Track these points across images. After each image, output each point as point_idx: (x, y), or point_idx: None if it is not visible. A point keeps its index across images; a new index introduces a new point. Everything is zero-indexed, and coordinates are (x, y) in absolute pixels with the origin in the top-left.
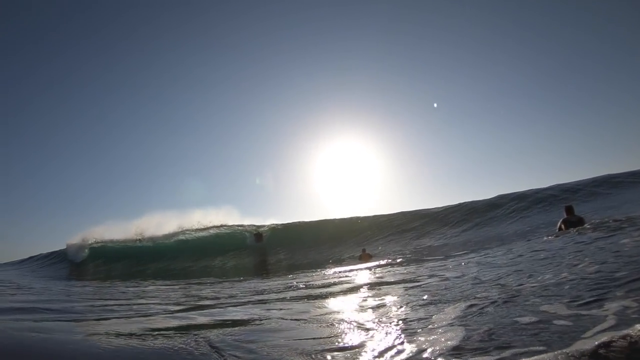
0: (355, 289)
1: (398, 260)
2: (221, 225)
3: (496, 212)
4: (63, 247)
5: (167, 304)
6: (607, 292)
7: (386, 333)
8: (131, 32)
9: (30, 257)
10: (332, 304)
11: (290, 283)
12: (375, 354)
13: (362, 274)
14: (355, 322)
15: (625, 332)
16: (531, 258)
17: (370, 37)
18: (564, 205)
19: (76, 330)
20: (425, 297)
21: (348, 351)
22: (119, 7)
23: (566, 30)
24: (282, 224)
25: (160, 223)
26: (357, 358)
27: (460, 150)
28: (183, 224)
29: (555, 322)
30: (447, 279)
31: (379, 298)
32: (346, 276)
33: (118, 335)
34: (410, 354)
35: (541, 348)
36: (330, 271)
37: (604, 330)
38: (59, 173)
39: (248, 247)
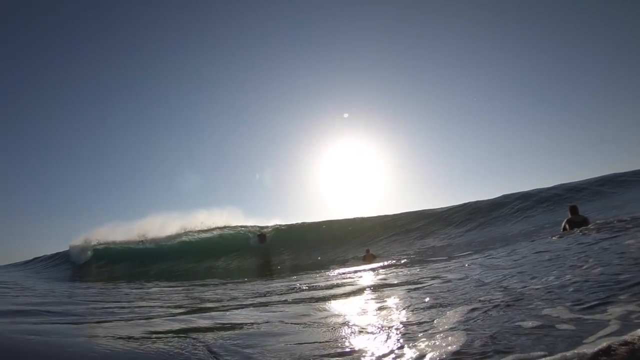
0: (357, 292)
1: (401, 262)
2: (224, 227)
3: (500, 211)
4: (66, 248)
5: (168, 307)
6: (611, 295)
7: (387, 337)
8: (133, 35)
9: (35, 259)
10: (334, 306)
11: (294, 285)
12: (374, 359)
13: (365, 275)
14: (356, 325)
15: (625, 337)
16: (535, 259)
17: (374, 38)
18: (568, 205)
19: (75, 334)
20: (427, 300)
21: (347, 356)
22: (121, 8)
23: (568, 29)
24: (286, 225)
25: (164, 224)
26: None
27: (464, 150)
28: (187, 225)
29: (557, 326)
30: (450, 281)
31: (381, 301)
32: (349, 278)
33: (116, 338)
34: None
35: (542, 353)
36: (333, 272)
37: (607, 336)
38: (63, 174)
39: (251, 248)
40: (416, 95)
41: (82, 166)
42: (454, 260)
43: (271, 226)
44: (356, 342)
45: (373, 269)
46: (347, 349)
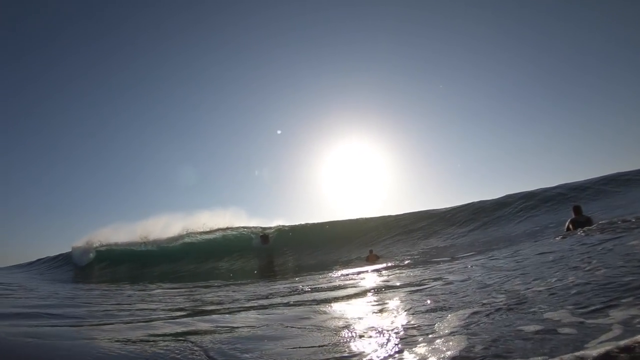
0: (359, 294)
1: (404, 263)
2: (227, 228)
3: (504, 210)
4: (70, 249)
5: (169, 310)
6: (614, 298)
7: (386, 341)
8: (136, 36)
9: (38, 260)
10: (335, 309)
11: (296, 286)
12: None
13: (367, 276)
14: (356, 329)
15: (624, 342)
16: (538, 261)
17: (376, 39)
18: (572, 205)
19: (73, 336)
20: (428, 302)
21: None
22: (122, 10)
23: (569, 29)
24: (289, 226)
25: (167, 225)
26: None
27: (467, 150)
28: (190, 226)
29: (559, 330)
30: (452, 282)
31: (382, 303)
32: (352, 279)
33: (113, 341)
34: None
35: (541, 359)
36: (336, 274)
37: (608, 341)
38: (67, 175)
39: (254, 249)
40: (419, 96)
41: (86, 167)
42: (456, 262)
43: (274, 227)
44: (355, 347)
45: (376, 270)
46: (346, 354)
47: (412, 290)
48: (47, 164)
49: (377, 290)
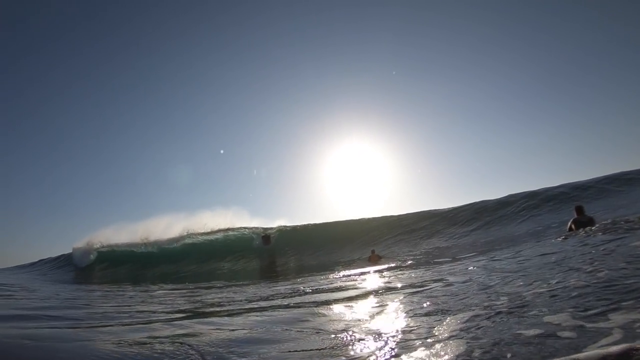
0: (359, 296)
1: (406, 263)
2: (227, 229)
3: (506, 210)
4: (71, 250)
5: (169, 312)
6: (615, 301)
7: (384, 345)
8: (139, 37)
9: (40, 260)
10: (334, 311)
11: (297, 288)
12: None
13: (368, 278)
14: (354, 332)
15: (621, 347)
16: (539, 262)
17: (380, 39)
18: (574, 205)
19: (71, 338)
20: (429, 305)
21: None
22: (124, 11)
23: (571, 28)
24: (291, 226)
25: (169, 225)
26: None
27: (469, 150)
28: (191, 226)
29: (559, 334)
30: (452, 284)
31: (382, 305)
32: (353, 280)
33: (110, 343)
34: None
35: None
36: (337, 275)
37: (608, 345)
38: (69, 176)
39: (256, 249)
40: (421, 96)
41: (88, 168)
42: (458, 262)
43: (275, 227)
44: (352, 351)
45: (377, 271)
46: (342, 358)
47: (413, 292)
48: (50, 165)
49: (378, 291)
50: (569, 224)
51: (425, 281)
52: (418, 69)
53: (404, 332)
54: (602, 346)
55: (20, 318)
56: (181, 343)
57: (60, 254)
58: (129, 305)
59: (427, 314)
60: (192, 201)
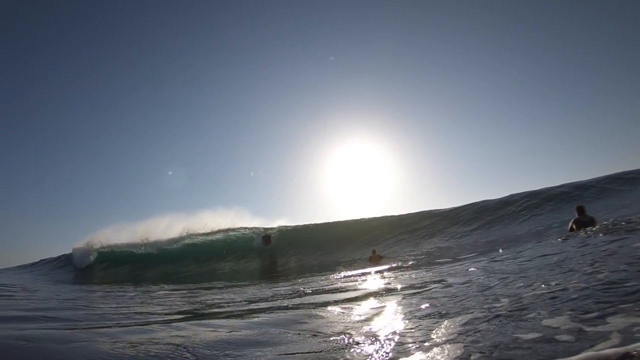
0: (358, 297)
1: (406, 264)
2: (228, 229)
3: (507, 209)
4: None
5: (167, 313)
6: (615, 304)
7: (380, 349)
8: (141, 37)
9: (41, 260)
10: (332, 313)
11: (296, 288)
12: None
13: (369, 279)
14: (351, 335)
15: (613, 350)
16: (539, 263)
17: (381, 39)
18: (576, 205)
19: (67, 339)
20: (428, 307)
21: None
22: (125, 12)
23: (572, 28)
24: (291, 226)
25: (170, 225)
26: None
27: (471, 151)
28: (192, 226)
29: (557, 337)
30: (452, 285)
31: (381, 308)
32: (353, 281)
33: (106, 345)
34: None
35: None
36: (338, 275)
37: (606, 349)
38: (72, 176)
39: (256, 249)
40: (422, 96)
41: (90, 168)
42: (458, 263)
43: (276, 227)
44: (347, 354)
45: (377, 272)
46: None
47: (412, 294)
48: (51, 165)
49: (377, 293)
50: (570, 224)
51: (425, 282)
52: (419, 69)
53: (401, 335)
54: (599, 350)
55: (19, 319)
56: (177, 345)
57: (61, 254)
58: (128, 307)
59: (425, 317)
60: (195, 201)
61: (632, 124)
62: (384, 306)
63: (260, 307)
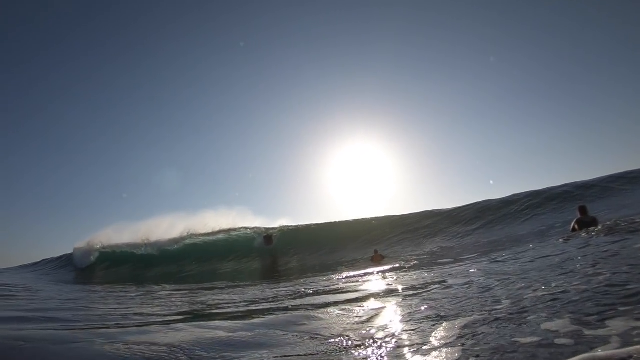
0: (358, 299)
1: (408, 264)
2: (229, 229)
3: (510, 208)
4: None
5: (167, 314)
6: (615, 307)
7: (377, 353)
8: (145, 37)
9: (43, 260)
10: (331, 315)
11: (297, 289)
12: None
13: (369, 280)
14: (349, 337)
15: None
16: (541, 264)
17: (383, 39)
18: (578, 205)
19: (64, 340)
20: (427, 309)
21: None
22: (126, 13)
23: (574, 28)
24: (293, 226)
25: (172, 225)
26: None
27: (473, 150)
28: (193, 226)
29: (556, 341)
30: (452, 287)
31: (380, 309)
32: (353, 282)
33: (102, 346)
34: None
35: None
36: (339, 276)
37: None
38: (74, 176)
39: (257, 249)
40: (424, 96)
41: (92, 169)
42: (459, 264)
43: (277, 227)
44: (344, 358)
45: (378, 273)
46: None
47: (412, 295)
48: (53, 165)
49: (378, 294)
50: (573, 224)
51: (426, 283)
52: (420, 69)
53: (400, 338)
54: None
55: (19, 319)
56: (174, 346)
57: (62, 254)
58: (128, 307)
59: (425, 319)
60: (197, 201)
61: (636, 123)
62: (384, 307)
63: (260, 308)
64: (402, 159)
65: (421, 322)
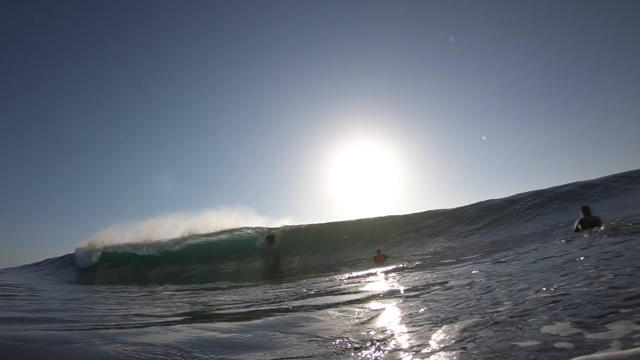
0: (359, 300)
1: (410, 264)
2: (231, 229)
3: (513, 208)
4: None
5: (167, 315)
6: (618, 310)
7: (376, 353)
8: (150, 37)
9: (46, 260)
10: (331, 317)
11: (299, 290)
12: None
13: (370, 280)
14: (347, 340)
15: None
16: (543, 265)
17: (385, 40)
18: (581, 205)
19: (62, 340)
20: (427, 311)
21: None
22: (127, 13)
23: (575, 27)
24: (295, 226)
25: (174, 225)
26: None
27: (475, 150)
28: (195, 226)
29: (556, 345)
30: (453, 288)
31: (380, 311)
32: (355, 282)
33: (100, 346)
34: None
35: None
36: (342, 276)
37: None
38: (76, 176)
39: (260, 249)
40: (427, 95)
41: (94, 169)
42: (462, 264)
43: (279, 227)
44: (343, 359)
45: (380, 273)
46: None
47: (413, 296)
48: (56, 165)
49: (379, 295)
50: (576, 224)
51: (427, 284)
52: (422, 69)
53: (399, 340)
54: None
55: (20, 320)
56: (173, 348)
57: (65, 254)
58: (129, 308)
59: (425, 321)
60: (199, 201)
61: (635, 122)
62: (385, 309)
63: (261, 309)
64: (404, 158)
65: (421, 324)
